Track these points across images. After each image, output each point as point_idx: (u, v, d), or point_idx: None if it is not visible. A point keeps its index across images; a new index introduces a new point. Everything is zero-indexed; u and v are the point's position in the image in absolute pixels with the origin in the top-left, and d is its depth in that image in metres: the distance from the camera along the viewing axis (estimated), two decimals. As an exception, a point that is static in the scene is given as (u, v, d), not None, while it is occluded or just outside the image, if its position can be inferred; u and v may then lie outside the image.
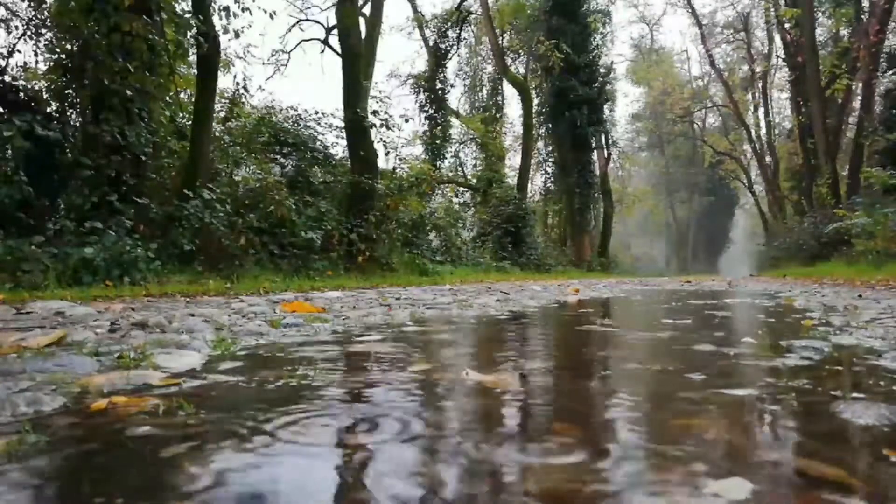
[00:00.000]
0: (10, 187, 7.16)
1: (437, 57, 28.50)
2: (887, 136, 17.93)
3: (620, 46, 52.19)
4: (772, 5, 28.96)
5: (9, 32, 9.09)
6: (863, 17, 21.91)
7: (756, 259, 39.90)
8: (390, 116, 14.84)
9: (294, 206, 10.92)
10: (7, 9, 9.38)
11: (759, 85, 36.24)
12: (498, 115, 30.36)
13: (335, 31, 18.24)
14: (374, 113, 14.28)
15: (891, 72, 20.01)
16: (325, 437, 1.07)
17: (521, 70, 29.30)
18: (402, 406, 1.33)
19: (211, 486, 0.84)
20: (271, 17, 11.74)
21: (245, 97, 13.97)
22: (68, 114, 8.76)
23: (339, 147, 15.40)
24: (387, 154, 16.68)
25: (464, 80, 32.25)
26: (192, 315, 3.33)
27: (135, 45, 8.17)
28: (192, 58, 10.88)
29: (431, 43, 28.97)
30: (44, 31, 9.23)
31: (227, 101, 13.77)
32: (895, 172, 14.53)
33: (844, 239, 15.74)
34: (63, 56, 8.52)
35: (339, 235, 11.69)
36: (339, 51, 14.69)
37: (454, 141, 29.85)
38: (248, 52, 23.14)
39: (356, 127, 13.07)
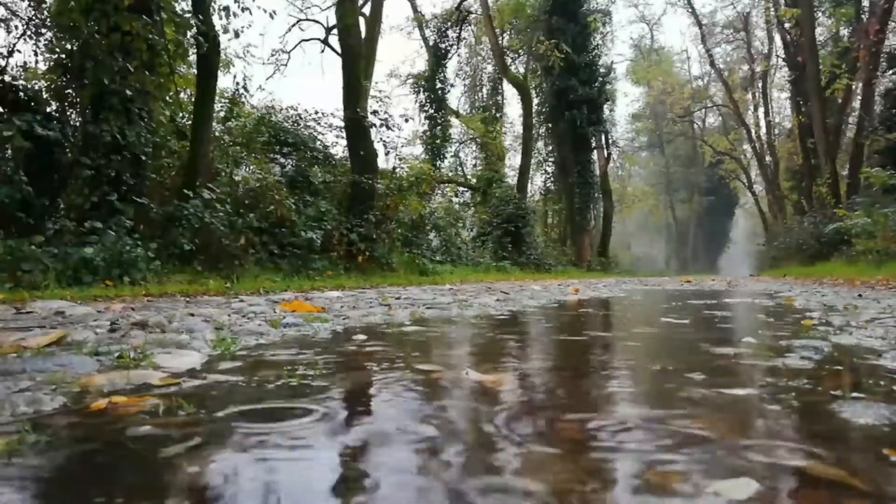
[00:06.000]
0: (10, 187, 7.16)
1: (437, 57, 28.48)
2: (887, 136, 17.91)
3: (620, 46, 52.28)
4: (772, 5, 28.95)
5: (9, 32, 9.09)
6: (863, 17, 21.90)
7: (756, 259, 39.92)
8: (390, 116, 14.88)
9: (294, 206, 10.92)
10: (7, 9, 9.38)
11: (759, 85, 36.21)
12: (498, 115, 30.35)
13: (335, 31, 18.26)
14: (374, 113, 14.30)
15: (891, 72, 19.98)
16: (325, 437, 1.07)
17: (521, 70, 29.29)
18: (402, 405, 1.33)
19: (211, 486, 0.84)
20: (271, 16, 11.77)
21: (245, 97, 13.97)
22: (68, 114, 8.75)
23: (339, 147, 15.42)
24: (387, 154, 16.70)
25: (464, 79, 32.29)
26: (192, 315, 3.33)
27: (135, 45, 8.16)
28: (192, 58, 10.88)
29: (431, 43, 28.96)
30: (44, 30, 9.23)
31: (227, 101, 13.77)
32: (895, 172, 14.52)
33: (844, 239, 15.74)
34: (63, 56, 8.51)
35: (339, 235, 11.69)
36: (339, 50, 14.70)
37: (454, 141, 29.86)
38: (248, 51, 23.21)
39: (356, 127, 13.07)
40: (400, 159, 17.93)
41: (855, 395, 1.38)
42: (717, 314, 4.06)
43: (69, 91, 8.62)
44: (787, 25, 26.14)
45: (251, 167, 12.58)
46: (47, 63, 9.02)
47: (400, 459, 0.95)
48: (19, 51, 9.05)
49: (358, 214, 12.27)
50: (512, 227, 21.77)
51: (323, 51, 23.09)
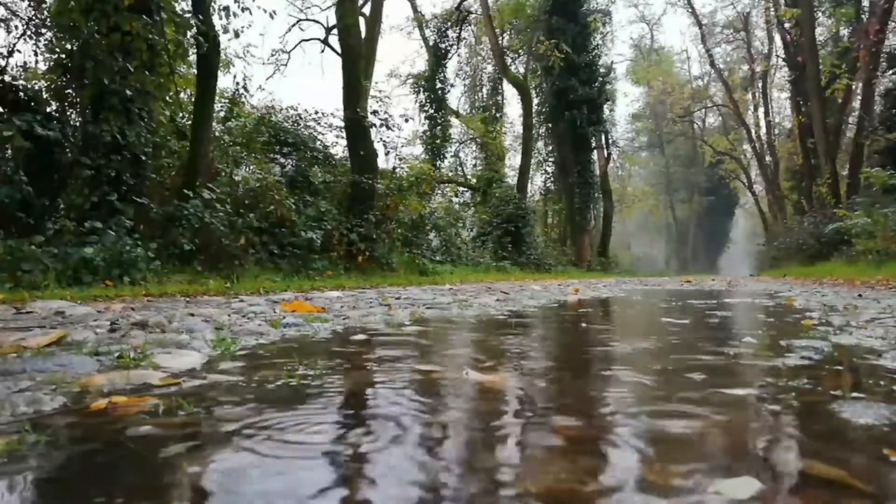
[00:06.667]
0: (10, 187, 7.16)
1: (437, 57, 28.49)
2: (887, 136, 17.92)
3: (620, 46, 52.30)
4: (772, 5, 28.95)
5: (9, 32, 9.09)
6: (863, 17, 21.89)
7: (756, 259, 39.94)
8: (390, 116, 14.87)
9: (294, 206, 10.92)
10: (7, 9, 9.38)
11: (759, 85, 36.21)
12: (498, 115, 30.35)
13: (335, 31, 18.27)
14: (374, 113, 14.30)
15: (891, 72, 19.98)
16: (324, 437, 1.07)
17: (521, 70, 29.29)
18: (402, 405, 1.33)
19: (210, 486, 0.83)
20: (271, 16, 11.78)
21: (245, 97, 13.97)
22: (68, 114, 8.75)
23: (339, 147, 15.43)
24: (387, 154, 16.71)
25: (464, 79, 32.30)
26: (192, 315, 3.33)
27: (135, 45, 8.16)
28: (192, 58, 10.88)
29: (431, 43, 28.97)
30: (44, 30, 9.23)
31: (227, 101, 13.77)
32: (895, 172, 14.52)
33: (844, 239, 15.74)
34: (63, 56, 8.51)
35: (339, 235, 11.69)
36: (339, 50, 14.70)
37: (454, 141, 29.87)
38: (248, 51, 23.25)
39: (356, 127, 13.07)
40: (400, 159, 17.95)
41: (855, 395, 1.38)
42: (717, 314, 4.06)
43: (69, 91, 8.62)
44: (787, 25, 26.14)
45: (251, 167, 12.58)
46: (47, 63, 9.02)
47: (400, 460, 0.95)
48: (19, 51, 9.06)
49: (358, 214, 12.27)
50: (512, 227, 21.77)
51: (323, 51, 23.13)
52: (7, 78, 8.49)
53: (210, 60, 10.08)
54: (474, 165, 30.16)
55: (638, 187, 52.73)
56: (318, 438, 1.06)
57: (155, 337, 2.30)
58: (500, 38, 27.29)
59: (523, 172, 26.33)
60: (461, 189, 27.54)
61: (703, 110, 46.81)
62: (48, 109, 8.50)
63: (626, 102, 53.90)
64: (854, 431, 1.11)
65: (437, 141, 27.56)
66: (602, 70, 29.18)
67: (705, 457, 0.95)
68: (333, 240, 11.57)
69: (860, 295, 5.89)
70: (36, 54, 9.26)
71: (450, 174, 28.27)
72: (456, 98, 32.11)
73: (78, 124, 8.60)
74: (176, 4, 9.71)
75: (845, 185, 21.20)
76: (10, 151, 7.52)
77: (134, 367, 1.68)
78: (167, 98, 10.24)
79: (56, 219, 7.54)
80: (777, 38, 32.25)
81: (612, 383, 1.62)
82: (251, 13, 10.87)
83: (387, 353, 2.11)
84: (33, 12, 9.28)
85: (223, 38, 10.50)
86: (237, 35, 10.28)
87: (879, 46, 19.93)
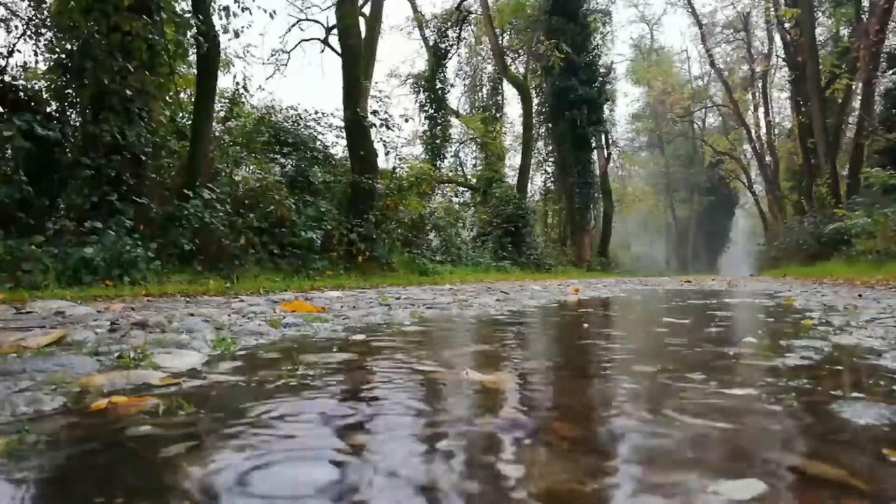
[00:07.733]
0: (10, 187, 7.16)
1: (437, 57, 28.49)
2: (887, 136, 17.93)
3: (620, 46, 52.29)
4: (772, 5, 28.96)
5: (9, 32, 9.08)
6: (863, 17, 21.90)
7: (756, 259, 39.96)
8: (390, 116, 14.84)
9: (294, 206, 10.92)
10: (7, 8, 9.38)
11: (759, 85, 36.22)
12: (498, 115, 30.34)
13: (335, 31, 18.28)
14: (374, 113, 14.28)
15: (891, 72, 20.00)
16: (324, 438, 1.07)
17: (521, 70, 29.27)
18: (402, 406, 1.33)
19: (211, 486, 0.83)
20: (271, 16, 11.78)
21: (245, 97, 13.96)
22: (68, 114, 8.74)
23: (339, 147, 15.42)
24: (387, 154, 16.68)
25: (464, 79, 32.27)
26: (192, 315, 3.33)
27: (135, 45, 8.16)
28: (192, 58, 10.88)
29: (431, 43, 28.98)
30: (44, 30, 9.22)
31: (227, 100, 13.76)
32: (895, 172, 14.53)
33: (844, 239, 15.75)
34: (63, 56, 8.50)
35: (339, 235, 11.69)
36: (339, 50, 14.71)
37: (454, 141, 29.87)
38: (248, 51, 23.26)
39: (356, 127, 13.07)
40: (400, 159, 17.90)
41: (855, 395, 1.38)
42: (717, 314, 4.06)
43: (69, 91, 8.61)
44: (787, 25, 26.15)
45: (251, 167, 12.58)
46: (47, 63, 9.01)
47: (399, 461, 0.95)
48: (19, 51, 9.05)
49: (358, 214, 12.27)
50: (512, 227, 21.76)
51: (323, 51, 23.15)
52: (7, 78, 8.49)
53: (210, 60, 10.08)
54: (474, 165, 30.16)
55: (638, 187, 52.72)
56: (318, 440, 1.06)
57: (155, 337, 2.30)
58: (500, 38, 27.28)
59: (523, 172, 26.33)
60: (461, 189, 27.54)
61: (703, 110, 46.86)
62: (48, 109, 8.49)
63: (626, 102, 54.04)
64: (854, 431, 1.11)
65: (437, 141, 27.57)
66: (602, 70, 29.18)
67: (706, 457, 0.95)
68: (333, 240, 11.56)
69: (860, 295, 5.89)
70: (36, 54, 9.26)
71: (450, 174, 28.26)
72: (456, 98, 32.16)
73: (78, 124, 8.60)
74: (176, 4, 9.71)
75: (845, 185, 21.20)
76: (10, 151, 7.51)
77: (134, 367, 1.68)
78: (167, 98, 10.24)
79: (56, 219, 7.54)
80: (777, 38, 32.31)
81: (612, 383, 1.62)
82: (251, 13, 10.88)
83: (387, 354, 2.11)
84: (33, 12, 9.28)
85: (223, 38, 10.51)
86: (237, 35, 10.28)
87: (879, 46, 19.93)
